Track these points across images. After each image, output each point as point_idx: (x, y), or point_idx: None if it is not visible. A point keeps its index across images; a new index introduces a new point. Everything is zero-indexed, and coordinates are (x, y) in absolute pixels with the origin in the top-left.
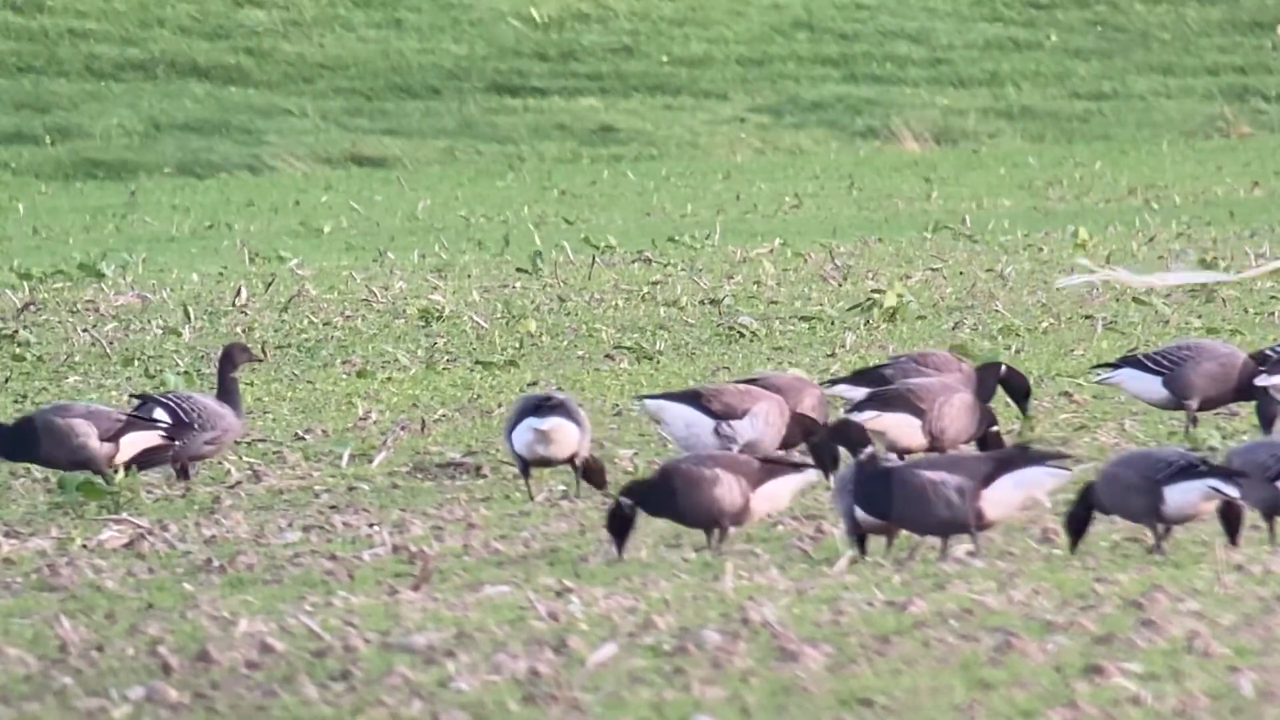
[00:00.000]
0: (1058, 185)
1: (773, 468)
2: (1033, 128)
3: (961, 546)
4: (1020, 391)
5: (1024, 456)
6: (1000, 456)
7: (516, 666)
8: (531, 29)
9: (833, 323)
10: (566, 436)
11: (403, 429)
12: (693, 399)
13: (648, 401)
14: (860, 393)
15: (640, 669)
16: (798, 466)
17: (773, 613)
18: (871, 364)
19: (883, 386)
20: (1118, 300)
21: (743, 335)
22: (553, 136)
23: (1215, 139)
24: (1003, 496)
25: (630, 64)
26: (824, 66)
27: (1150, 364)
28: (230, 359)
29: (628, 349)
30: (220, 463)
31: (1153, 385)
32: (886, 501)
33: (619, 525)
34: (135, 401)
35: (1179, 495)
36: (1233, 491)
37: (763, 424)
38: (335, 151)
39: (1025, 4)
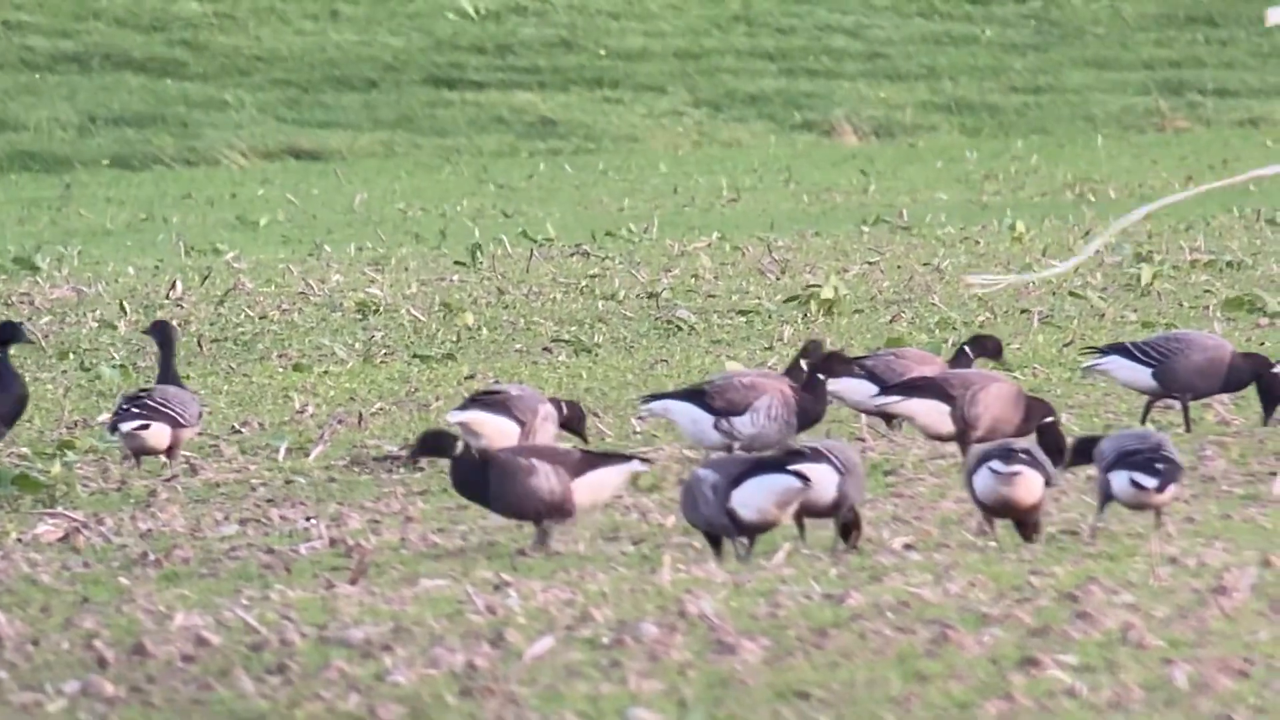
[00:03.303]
0: (994, 179)
1: (594, 458)
2: (969, 121)
3: (898, 539)
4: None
5: (771, 462)
6: (756, 460)
7: (454, 660)
8: (469, 22)
9: (770, 316)
10: (493, 430)
11: (340, 422)
12: (696, 396)
13: (652, 405)
14: (852, 383)
15: (577, 662)
16: (622, 457)
17: (710, 605)
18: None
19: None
20: (1054, 294)
21: (680, 328)
22: (490, 129)
23: (1150, 133)
24: (749, 499)
25: (568, 57)
26: (762, 60)
27: (1140, 353)
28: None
29: (566, 342)
30: (156, 456)
31: (1142, 375)
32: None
33: (430, 445)
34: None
35: (981, 482)
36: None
37: (764, 418)
38: (272, 144)
39: None
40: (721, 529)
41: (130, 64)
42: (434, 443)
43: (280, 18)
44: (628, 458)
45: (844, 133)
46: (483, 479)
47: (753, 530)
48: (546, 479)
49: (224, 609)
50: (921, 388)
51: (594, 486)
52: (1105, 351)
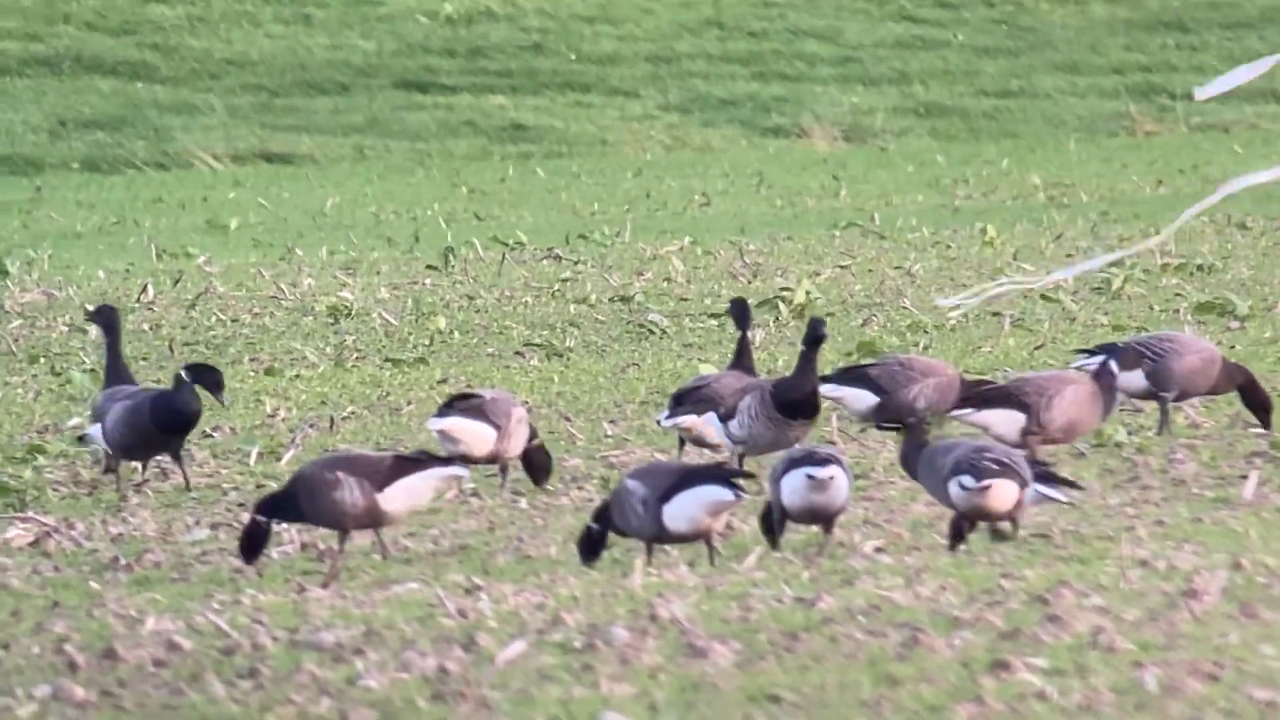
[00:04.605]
0: (965, 183)
1: (404, 464)
2: (941, 126)
3: (869, 543)
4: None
5: (706, 473)
6: (688, 471)
7: (425, 664)
8: (440, 26)
9: None
10: (472, 436)
11: (311, 427)
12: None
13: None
14: (849, 391)
15: (549, 666)
16: (438, 461)
17: (681, 609)
18: (860, 363)
19: (865, 381)
20: (1025, 297)
21: (652, 332)
22: (462, 133)
23: (1121, 137)
24: (681, 511)
25: (540, 61)
26: (733, 64)
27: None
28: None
29: (538, 346)
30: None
31: (1134, 376)
32: (619, 515)
33: (254, 541)
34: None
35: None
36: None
37: (747, 419)
38: (243, 148)
39: (933, 3)
40: (652, 540)
41: (101, 67)
42: (254, 540)
43: (251, 21)
44: (445, 462)
45: (815, 136)
46: (292, 499)
47: (685, 541)
48: (350, 491)
49: (195, 613)
50: (993, 398)
51: (407, 492)
52: (1095, 353)
